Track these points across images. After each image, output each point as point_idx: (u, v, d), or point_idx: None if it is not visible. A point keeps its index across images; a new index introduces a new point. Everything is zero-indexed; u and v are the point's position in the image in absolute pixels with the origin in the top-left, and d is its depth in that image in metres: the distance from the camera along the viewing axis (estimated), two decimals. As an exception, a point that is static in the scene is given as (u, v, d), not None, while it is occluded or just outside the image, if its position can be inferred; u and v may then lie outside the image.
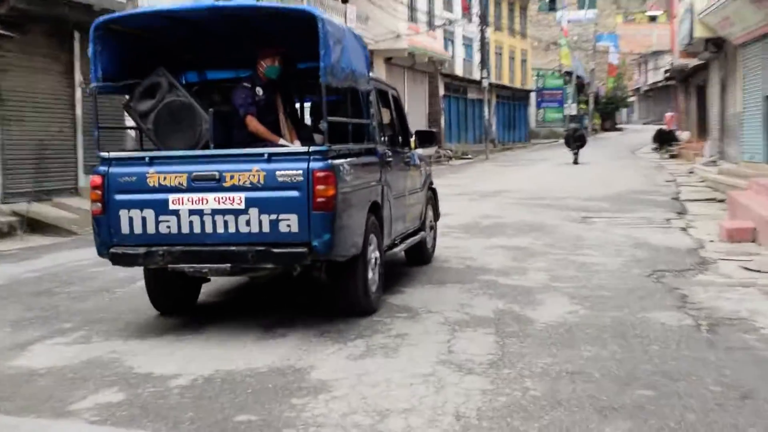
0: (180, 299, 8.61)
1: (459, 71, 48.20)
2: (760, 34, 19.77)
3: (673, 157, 39.31)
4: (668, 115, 54.01)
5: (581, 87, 76.14)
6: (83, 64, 17.28)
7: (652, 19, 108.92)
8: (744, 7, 18.98)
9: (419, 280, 9.85)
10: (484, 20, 45.49)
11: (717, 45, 25.82)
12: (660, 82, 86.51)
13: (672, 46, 47.87)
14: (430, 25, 41.39)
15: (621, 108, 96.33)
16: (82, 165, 18.01)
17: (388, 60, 37.27)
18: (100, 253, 7.76)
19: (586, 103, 74.73)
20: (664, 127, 45.36)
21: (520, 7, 63.43)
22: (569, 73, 69.93)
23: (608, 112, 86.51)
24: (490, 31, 50.20)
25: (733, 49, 23.40)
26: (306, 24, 7.47)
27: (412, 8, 39.18)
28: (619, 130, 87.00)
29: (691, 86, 39.94)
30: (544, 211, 17.18)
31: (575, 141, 36.82)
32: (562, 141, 41.84)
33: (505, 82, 58.36)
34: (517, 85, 62.33)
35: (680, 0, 30.43)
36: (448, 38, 46.32)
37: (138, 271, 8.61)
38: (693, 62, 34.92)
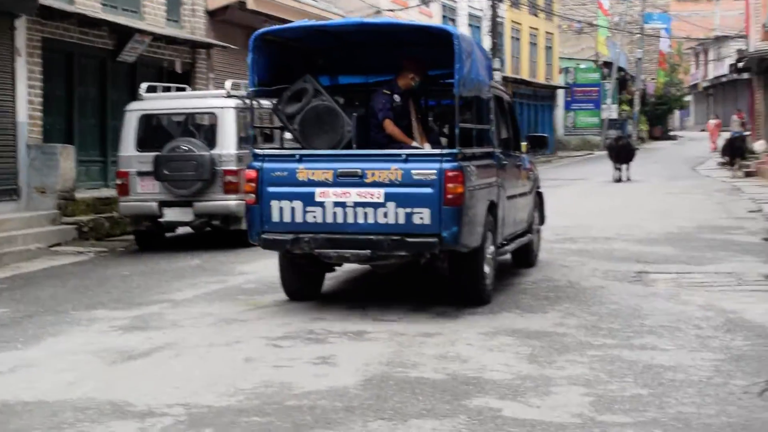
0: (309, 286, 11.65)
1: (463, 59, 45.92)
2: None
3: (749, 175, 37.13)
4: (735, 118, 51.91)
5: (624, 83, 73.97)
6: None
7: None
8: None
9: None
10: (495, -8, 43.11)
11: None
12: (725, 75, 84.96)
13: (746, 26, 45.94)
14: (423, -3, 39.12)
15: (675, 110, 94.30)
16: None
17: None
18: (251, 239, 10.96)
19: (630, 103, 72.45)
20: (737, 133, 42.98)
21: (544, -23, 61.26)
22: (608, 65, 67.59)
23: (659, 115, 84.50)
24: (504, 8, 47.86)
25: None
26: (442, 39, 10.81)
27: (397, -26, 36.88)
28: (673, 138, 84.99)
29: (775, 80, 37.75)
30: (578, 260, 14.74)
31: (621, 153, 35.68)
32: (600, 153, 40.18)
33: (524, 75, 56.01)
34: (540, 80, 59.95)
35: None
36: (448, 16, 43.90)
37: None
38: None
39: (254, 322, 10.27)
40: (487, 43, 45.08)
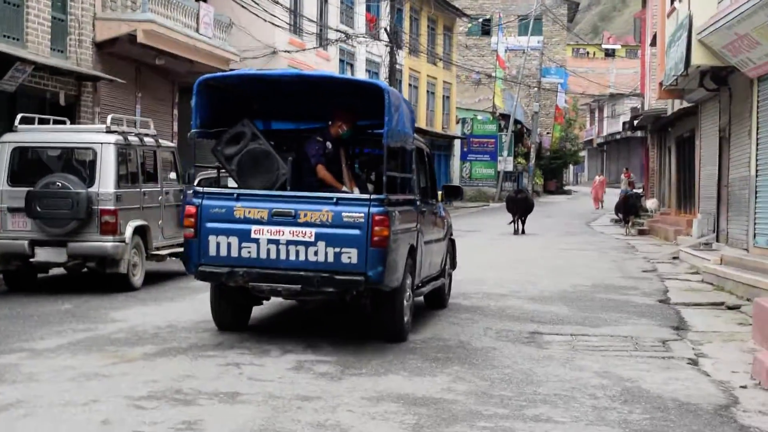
0: (238, 318, 12.51)
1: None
2: (794, 61, 17.16)
3: (642, 233, 37.33)
4: (623, 177, 52.56)
5: (520, 135, 74.39)
6: None
7: (609, 54, 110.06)
8: (775, 18, 16.31)
9: None
10: (394, 39, 42.77)
11: (718, 80, 23.40)
12: (619, 132, 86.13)
13: (642, 84, 46.42)
14: (321, 40, 38.43)
15: (570, 164, 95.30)
16: None
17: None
18: (189, 270, 11.82)
19: (526, 156, 72.87)
20: (629, 191, 43.25)
21: (443, 27, 61.24)
22: (505, 117, 67.85)
23: (554, 170, 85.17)
24: (403, 55, 47.69)
25: (746, 84, 20.87)
26: (372, 92, 11.90)
27: (295, 15, 36.19)
28: (567, 192, 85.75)
29: (670, 138, 37.96)
30: (470, 318, 14.17)
31: (520, 206, 35.80)
32: (495, 205, 40.06)
33: (422, 123, 55.78)
34: (437, 129, 59.89)
35: (668, 16, 28.01)
36: (347, 60, 43.42)
37: None
38: (675, 105, 32.91)
39: (118, 377, 9.43)
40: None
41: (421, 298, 14.01)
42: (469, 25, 76.32)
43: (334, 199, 11.35)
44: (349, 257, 11.06)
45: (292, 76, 13.73)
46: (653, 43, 36.31)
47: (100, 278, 16.49)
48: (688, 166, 32.53)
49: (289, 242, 11.18)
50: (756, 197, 20.03)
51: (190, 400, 8.54)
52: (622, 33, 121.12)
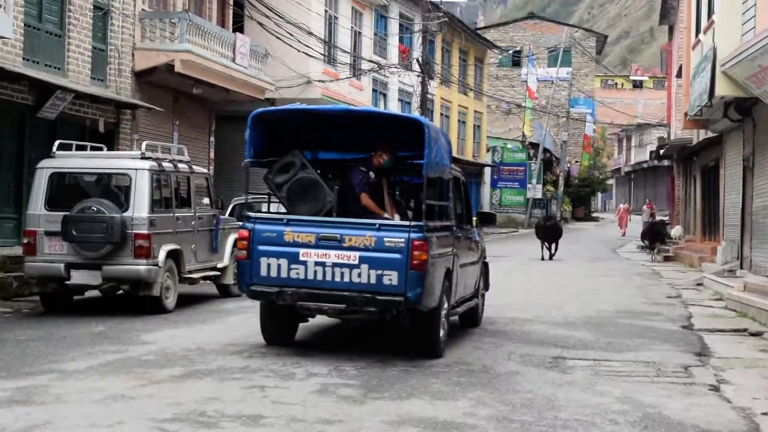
0: (285, 334, 13.11)
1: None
2: (817, 92, 16.89)
3: (667, 259, 36.98)
4: (645, 208, 52.52)
5: (549, 164, 74.04)
6: None
7: (637, 85, 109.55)
8: (798, 50, 16.06)
9: None
10: (426, 70, 42.66)
11: (742, 110, 23.14)
12: (646, 161, 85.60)
13: (668, 115, 46.11)
14: (354, 70, 38.34)
15: (597, 192, 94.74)
16: None
17: (294, 114, 34.13)
18: (241, 289, 12.61)
19: (555, 184, 72.49)
20: (658, 218, 42.94)
21: (475, 59, 61.10)
22: (534, 146, 67.58)
23: (582, 197, 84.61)
24: (434, 85, 47.56)
25: (769, 115, 20.62)
26: (412, 126, 12.60)
27: (330, 47, 36.12)
28: (595, 219, 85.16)
29: (695, 167, 37.60)
30: (494, 342, 13.97)
31: (549, 233, 35.73)
32: (524, 231, 39.81)
33: (453, 152, 55.65)
34: (468, 157, 59.64)
35: (693, 48, 27.75)
36: (380, 90, 43.28)
37: None
38: (700, 135, 32.62)
39: (144, 399, 9.27)
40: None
41: (456, 317, 14.42)
42: (500, 56, 76.13)
43: (377, 225, 11.95)
44: (390, 279, 11.61)
45: (339, 111, 15.51)
46: (679, 75, 36.09)
47: (133, 301, 16.40)
48: (713, 195, 32.21)
49: (334, 264, 11.75)
50: (780, 225, 19.78)
51: (213, 423, 8.37)
52: (650, 65, 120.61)
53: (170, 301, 16.41)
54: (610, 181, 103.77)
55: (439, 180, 13.22)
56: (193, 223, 17.42)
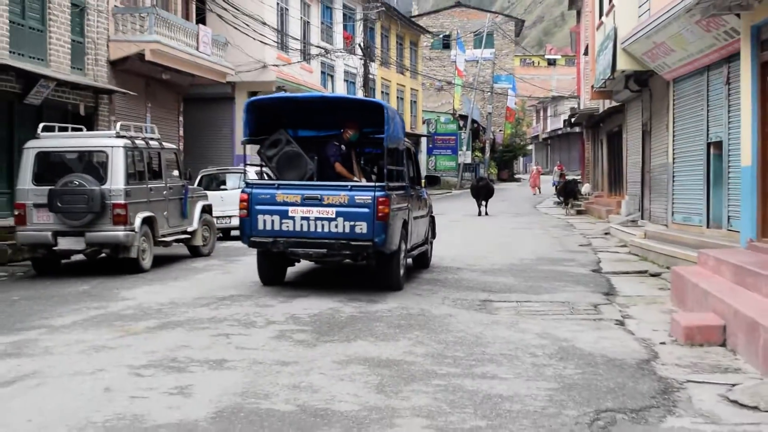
0: (278, 276, 14.32)
1: (340, 111, 44.77)
2: (703, 64, 16.87)
3: (579, 213, 37.06)
4: (556, 169, 52.69)
5: (477, 133, 74.04)
6: None
7: (551, 63, 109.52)
8: (687, 29, 15.99)
9: None
10: (368, 53, 42.36)
11: (640, 82, 23.16)
12: (560, 129, 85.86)
13: (578, 88, 46.11)
14: (304, 55, 37.92)
15: (519, 156, 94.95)
16: None
17: (252, 94, 33.59)
18: (243, 241, 13.50)
19: (482, 150, 72.52)
20: (571, 178, 43.04)
21: (410, 42, 60.73)
22: (464, 118, 67.49)
23: (506, 161, 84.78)
24: (375, 67, 47.25)
25: (663, 85, 20.64)
26: (375, 108, 14.08)
27: (282, 34, 35.66)
28: (517, 180, 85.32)
29: (602, 133, 37.68)
30: (431, 290, 13.85)
31: (482, 192, 35.87)
32: (457, 192, 39.74)
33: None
34: (407, 129, 59.39)
35: (597, 29, 27.73)
36: (327, 72, 42.90)
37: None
38: (605, 104, 32.66)
39: (122, 349, 9.12)
40: (360, 96, 44.44)
41: (410, 261, 15.51)
42: (432, 40, 75.91)
43: (349, 187, 13.20)
44: (361, 228, 12.87)
45: (315, 97, 16.70)
46: (586, 53, 36.07)
47: (114, 263, 16.19)
48: (617, 156, 32.29)
49: (316, 218, 12.99)
50: (673, 181, 19.81)
51: (183, 367, 8.24)
52: (562, 45, 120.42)
53: (146, 262, 16.20)
54: (530, 147, 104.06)
55: (395, 150, 14.47)
56: (164, 192, 17.17)
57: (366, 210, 12.88)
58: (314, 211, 13.01)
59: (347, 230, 12.92)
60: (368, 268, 14.02)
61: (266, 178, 15.26)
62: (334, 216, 12.95)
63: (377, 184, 13.39)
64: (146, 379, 7.78)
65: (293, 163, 14.11)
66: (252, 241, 13.31)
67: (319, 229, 12.98)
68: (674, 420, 6.72)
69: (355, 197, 12.96)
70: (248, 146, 14.90)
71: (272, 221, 13.13)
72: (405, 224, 14.10)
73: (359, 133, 14.79)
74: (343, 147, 14.60)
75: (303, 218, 13.03)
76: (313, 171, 14.17)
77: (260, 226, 13.18)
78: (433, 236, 17.78)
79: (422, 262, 16.72)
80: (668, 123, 20.10)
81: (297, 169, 14.04)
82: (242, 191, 13.50)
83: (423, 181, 18.08)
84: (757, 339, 8.40)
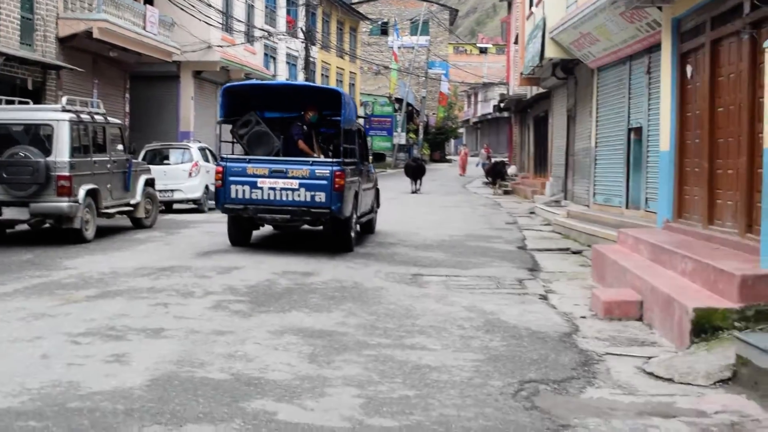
0: (244, 238, 15.53)
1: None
2: (626, 54, 16.87)
3: (507, 193, 37.14)
4: (482, 152, 52.62)
5: (411, 116, 73.81)
6: None
7: (483, 51, 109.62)
8: (611, 20, 15.97)
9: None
10: (309, 37, 41.90)
11: (567, 70, 23.15)
12: (490, 113, 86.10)
13: (507, 75, 46.17)
14: (248, 37, 37.32)
15: (451, 139, 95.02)
16: None
17: (197, 74, 33.07)
18: (218, 207, 14.80)
19: (416, 132, 72.36)
20: (498, 159, 43.16)
21: (350, 28, 60.30)
22: (399, 101, 67.26)
23: (438, 143, 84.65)
24: (316, 50, 46.78)
25: (588, 73, 20.65)
26: (332, 94, 15.85)
27: (227, 17, 35.04)
28: (449, 161, 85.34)
29: (529, 117, 37.76)
30: (364, 264, 13.67)
31: (416, 171, 36.33)
32: (392, 171, 39.68)
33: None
34: (345, 110, 58.96)
35: (527, 19, 27.68)
36: (270, 54, 42.28)
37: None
38: (533, 91, 32.71)
39: (62, 317, 8.79)
40: (301, 78, 43.99)
41: (359, 228, 16.58)
42: (371, 26, 75.44)
43: (310, 162, 14.50)
44: (320, 198, 14.14)
45: (281, 84, 19.31)
46: (516, 42, 36.02)
47: (58, 233, 15.75)
48: (543, 139, 32.32)
49: (282, 189, 14.21)
50: (595, 164, 19.85)
51: (121, 335, 7.97)
52: (493, 35, 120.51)
53: (90, 233, 15.78)
54: (461, 130, 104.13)
55: (349, 131, 15.83)
56: (108, 166, 16.71)
57: (324, 182, 14.10)
58: (280, 183, 14.18)
59: (308, 199, 14.14)
60: (324, 232, 15.70)
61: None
62: (297, 187, 14.15)
63: (334, 159, 14.66)
64: (84, 347, 7.50)
65: (262, 140, 15.31)
66: (226, 207, 14.48)
67: (284, 198, 14.19)
68: (594, 391, 6.65)
69: (315, 171, 14.18)
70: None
71: (243, 191, 14.24)
72: (356, 195, 15.36)
73: (318, 115, 15.91)
74: (304, 127, 15.84)
75: (270, 188, 14.19)
76: (279, 148, 15.36)
77: (233, 195, 14.29)
78: (378, 206, 19.13)
79: (369, 228, 18.10)
80: (592, 109, 20.13)
81: (265, 146, 15.26)
82: (217, 164, 14.78)
83: (371, 157, 19.75)
84: (672, 314, 8.39)
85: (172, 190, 22.92)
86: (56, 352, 7.30)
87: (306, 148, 15.59)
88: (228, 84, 16.25)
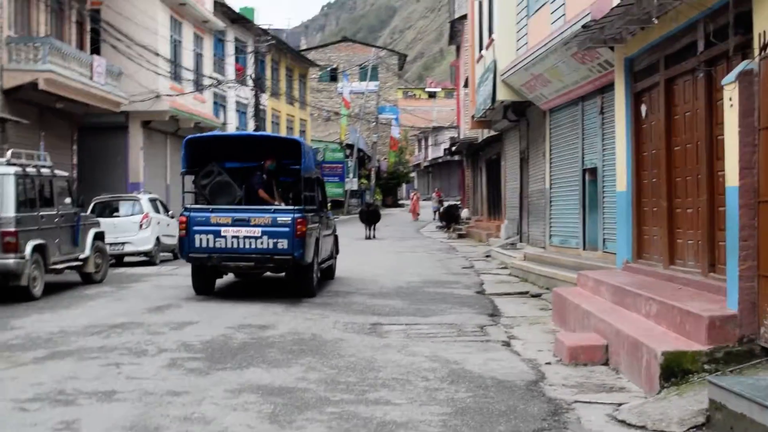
0: (208, 287, 15.69)
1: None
2: (578, 95, 16.88)
3: (461, 237, 37.08)
4: (434, 195, 52.53)
5: (362, 161, 73.88)
6: None
7: (432, 95, 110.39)
8: (563, 61, 15.98)
9: None
10: (258, 84, 41.75)
11: (518, 112, 23.19)
12: (441, 157, 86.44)
13: (458, 118, 46.37)
14: (197, 86, 37.04)
15: (403, 183, 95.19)
16: None
17: (146, 124, 32.68)
18: (182, 256, 15.29)
19: (368, 177, 72.40)
20: (452, 203, 43.17)
21: (299, 74, 60.31)
22: (350, 147, 67.31)
23: (390, 188, 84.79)
24: (266, 98, 46.62)
25: (540, 115, 20.67)
26: (292, 144, 16.66)
27: (175, 65, 34.76)
28: (401, 206, 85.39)
29: (481, 160, 37.84)
30: (321, 314, 13.34)
31: (371, 217, 36.34)
32: (344, 217, 39.51)
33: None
34: (296, 157, 58.74)
35: (477, 62, 27.77)
36: (220, 103, 41.99)
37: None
38: (484, 134, 32.79)
39: (7, 381, 8.37)
40: (251, 126, 43.74)
41: (319, 274, 16.55)
42: (320, 73, 75.52)
43: (272, 210, 14.89)
44: (282, 245, 14.50)
45: (242, 135, 20.19)
46: (466, 85, 36.23)
47: (4, 291, 15.22)
48: (496, 182, 32.37)
49: (245, 237, 14.56)
50: (550, 205, 19.81)
51: (71, 400, 7.57)
52: (442, 79, 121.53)
53: (37, 290, 15.30)
54: (413, 174, 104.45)
55: (309, 178, 16.29)
56: (56, 220, 16.28)
57: (286, 229, 14.50)
58: (243, 231, 14.55)
59: (271, 246, 14.49)
60: (287, 279, 16.00)
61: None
62: (260, 234, 14.52)
63: (295, 207, 15.10)
64: (31, 414, 7.11)
65: (224, 190, 15.68)
66: (190, 256, 14.80)
67: (248, 246, 14.54)
68: (567, 442, 6.43)
69: (277, 218, 14.58)
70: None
71: (207, 239, 14.58)
72: (317, 241, 15.74)
73: (276, 163, 16.26)
74: (264, 176, 16.17)
75: (233, 237, 14.56)
76: (240, 196, 15.76)
77: (197, 244, 14.62)
78: (337, 252, 19.54)
79: (330, 273, 18.34)
80: (545, 151, 20.11)
81: (227, 195, 15.60)
82: (181, 215, 15.00)
83: (329, 205, 20.48)
84: (639, 358, 8.22)
85: (122, 243, 22.48)
86: (2, 420, 6.91)
87: (266, 197, 15.87)
88: (190, 136, 16.36)
